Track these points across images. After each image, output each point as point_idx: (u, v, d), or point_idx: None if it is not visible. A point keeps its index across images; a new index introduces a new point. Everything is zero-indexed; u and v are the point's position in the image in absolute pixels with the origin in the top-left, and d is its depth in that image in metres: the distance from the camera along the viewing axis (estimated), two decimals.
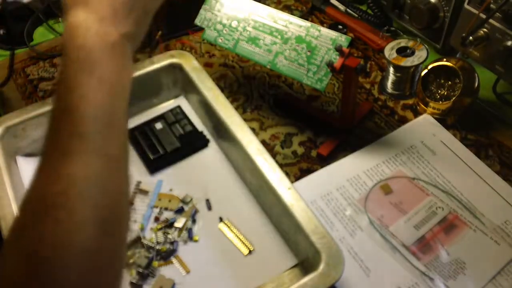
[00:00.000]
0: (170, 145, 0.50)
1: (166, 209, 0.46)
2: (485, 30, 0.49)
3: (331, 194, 0.47)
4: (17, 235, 0.24)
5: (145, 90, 0.53)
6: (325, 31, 0.46)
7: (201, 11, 0.52)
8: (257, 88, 0.58)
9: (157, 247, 0.43)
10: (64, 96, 0.25)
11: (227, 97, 0.49)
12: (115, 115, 0.26)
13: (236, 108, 0.53)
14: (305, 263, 0.41)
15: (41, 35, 0.66)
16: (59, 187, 0.24)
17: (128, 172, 0.27)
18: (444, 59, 0.52)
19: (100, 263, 0.24)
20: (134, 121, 0.53)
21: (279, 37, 0.48)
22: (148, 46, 0.62)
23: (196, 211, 0.46)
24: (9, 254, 0.23)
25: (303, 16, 0.67)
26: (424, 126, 0.53)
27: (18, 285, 0.22)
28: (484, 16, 0.48)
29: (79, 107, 0.25)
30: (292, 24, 0.48)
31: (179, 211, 0.46)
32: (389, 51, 0.53)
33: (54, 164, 0.24)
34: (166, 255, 0.42)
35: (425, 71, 0.53)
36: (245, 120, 0.47)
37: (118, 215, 0.26)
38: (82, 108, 0.25)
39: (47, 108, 0.49)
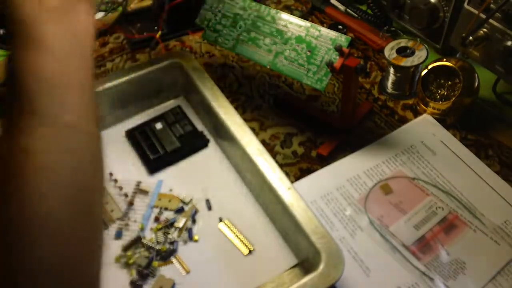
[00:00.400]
0: (170, 145, 0.50)
1: (166, 209, 0.46)
2: (485, 30, 0.49)
3: (331, 194, 0.47)
4: None
5: (145, 90, 0.53)
6: (325, 31, 0.46)
7: (201, 11, 0.52)
8: (257, 88, 0.58)
9: (157, 247, 0.43)
10: (14, 73, 0.25)
11: (227, 97, 0.49)
12: (68, 81, 0.25)
13: (236, 108, 0.53)
14: (305, 263, 0.41)
15: None
16: (10, 161, 0.23)
17: (99, 145, 0.26)
18: (444, 59, 0.52)
19: (64, 237, 0.23)
20: (134, 121, 0.53)
21: (279, 37, 0.48)
22: (148, 46, 0.62)
23: (196, 211, 0.46)
24: None
25: (303, 16, 0.67)
26: (424, 126, 0.53)
27: None
28: (484, 16, 0.48)
29: (27, 81, 0.24)
30: (292, 24, 0.48)
31: (179, 211, 0.46)
32: (389, 51, 0.53)
33: (9, 143, 0.24)
34: (166, 255, 0.42)
35: (425, 71, 0.53)
36: (245, 120, 0.47)
37: (82, 187, 0.25)
38: (29, 83, 0.24)
39: None
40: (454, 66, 0.51)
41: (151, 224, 0.45)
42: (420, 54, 0.53)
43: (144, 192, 0.47)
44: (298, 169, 0.50)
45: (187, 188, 0.47)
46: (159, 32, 0.61)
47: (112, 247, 0.43)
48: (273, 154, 0.51)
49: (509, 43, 0.48)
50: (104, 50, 0.63)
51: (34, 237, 0.22)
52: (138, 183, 0.48)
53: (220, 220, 0.45)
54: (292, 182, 0.47)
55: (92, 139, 0.26)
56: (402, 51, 0.53)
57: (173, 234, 0.44)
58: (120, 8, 0.68)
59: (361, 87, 0.58)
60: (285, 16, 0.48)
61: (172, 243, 0.43)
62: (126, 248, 0.43)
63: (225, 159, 0.50)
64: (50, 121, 0.24)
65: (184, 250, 0.43)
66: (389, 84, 0.56)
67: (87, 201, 0.25)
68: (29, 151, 0.23)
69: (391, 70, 0.54)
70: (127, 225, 0.45)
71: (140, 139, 0.51)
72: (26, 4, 0.25)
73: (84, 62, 0.26)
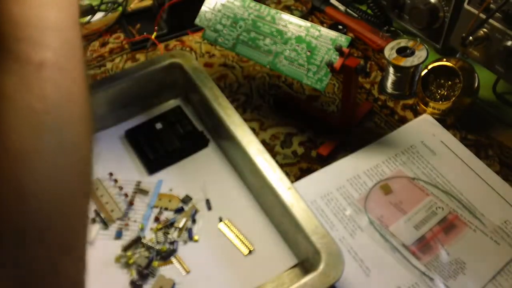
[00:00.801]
0: (170, 145, 0.50)
1: (166, 209, 0.46)
2: (485, 30, 0.49)
3: (331, 194, 0.47)
4: None
5: (145, 90, 0.53)
6: (325, 31, 0.46)
7: (201, 11, 0.52)
8: (257, 88, 0.58)
9: (157, 247, 0.43)
10: None
11: (227, 97, 0.49)
12: (45, 22, 0.25)
13: (236, 108, 0.53)
14: (305, 263, 0.41)
15: None
16: None
17: (85, 90, 0.25)
18: (444, 59, 0.52)
19: (51, 176, 0.23)
20: (134, 121, 0.53)
21: (279, 37, 0.48)
22: (144, 48, 0.62)
23: (196, 211, 0.46)
24: None
25: (303, 16, 0.67)
26: (424, 126, 0.53)
27: None
28: (484, 16, 0.48)
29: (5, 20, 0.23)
30: (292, 24, 0.48)
31: (179, 211, 0.46)
32: (389, 51, 0.53)
33: None
34: (166, 255, 0.42)
35: (425, 71, 0.53)
36: (245, 120, 0.47)
37: (69, 129, 0.24)
38: (2, 22, 0.23)
39: None
40: (454, 66, 0.51)
41: (151, 224, 0.45)
42: (420, 54, 0.53)
43: (144, 192, 0.47)
44: (298, 169, 0.50)
45: (187, 188, 0.47)
46: (154, 33, 0.62)
47: (112, 247, 0.43)
48: (273, 154, 0.51)
49: (509, 43, 0.48)
50: (104, 50, 0.63)
51: (18, 180, 0.22)
52: (138, 183, 0.48)
53: (220, 220, 0.45)
54: (292, 182, 0.47)
55: (74, 78, 0.25)
56: (402, 51, 0.53)
57: (173, 234, 0.44)
58: (120, 8, 0.68)
59: (361, 87, 0.58)
60: (285, 16, 0.48)
61: (172, 243, 0.43)
62: (126, 248, 0.43)
63: (225, 159, 0.50)
64: (24, 59, 0.23)
65: (184, 250, 0.43)
66: (389, 84, 0.56)
67: (74, 144, 0.24)
68: (5, 92, 0.22)
69: (391, 70, 0.54)
70: (127, 225, 0.45)
71: (140, 139, 0.51)
72: None
73: (64, 2, 0.26)
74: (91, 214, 0.45)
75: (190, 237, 0.44)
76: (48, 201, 0.23)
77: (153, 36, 0.62)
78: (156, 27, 0.62)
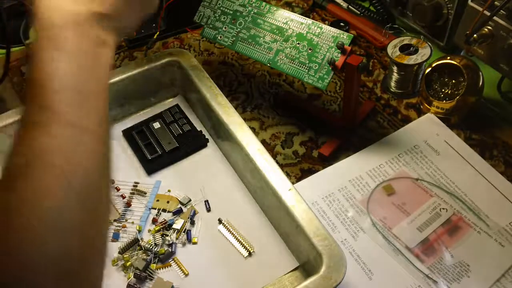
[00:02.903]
0: (168, 145, 0.49)
1: (164, 210, 0.45)
2: (489, 27, 0.48)
3: (332, 195, 0.47)
4: None
5: (143, 89, 0.52)
6: (326, 28, 0.45)
7: (200, 8, 0.52)
8: (257, 86, 0.57)
9: (155, 249, 0.42)
10: (33, 70, 0.26)
11: (227, 96, 0.48)
12: (87, 87, 0.27)
13: (236, 107, 0.53)
14: (306, 266, 0.40)
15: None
16: (24, 159, 0.24)
17: (108, 148, 0.27)
18: (448, 57, 0.51)
19: (70, 233, 0.24)
20: (132, 120, 0.52)
21: (280, 34, 0.47)
22: (145, 44, 0.61)
23: (195, 213, 0.45)
24: None
25: (304, 13, 0.66)
26: (427, 126, 0.52)
27: None
28: (488, 14, 0.47)
29: (46, 80, 0.25)
30: (293, 21, 0.47)
31: (178, 212, 0.45)
32: (392, 49, 0.53)
33: (22, 137, 0.25)
34: (165, 258, 0.42)
35: (429, 69, 0.52)
36: (245, 119, 0.46)
37: (91, 187, 0.26)
38: (49, 82, 0.25)
39: None
40: (458, 64, 0.50)
41: (149, 225, 0.44)
42: (424, 52, 0.52)
43: (142, 193, 0.46)
44: (299, 170, 0.49)
45: (185, 189, 0.46)
46: (157, 33, 0.61)
47: (109, 249, 0.42)
48: (274, 154, 0.50)
49: None
50: None
51: (34, 231, 0.23)
52: (136, 184, 0.47)
53: (220, 221, 0.44)
54: (293, 183, 0.47)
55: (104, 144, 0.27)
56: (405, 49, 0.52)
57: (172, 236, 0.43)
58: None
59: (364, 85, 0.57)
60: (286, 13, 0.48)
61: (170, 245, 0.42)
62: (123, 250, 0.42)
63: (225, 159, 0.49)
64: (67, 122, 0.25)
65: (183, 252, 0.42)
66: (392, 82, 0.55)
67: (93, 200, 0.26)
68: (42, 148, 0.24)
69: (394, 68, 0.54)
70: (124, 227, 0.44)
71: (137, 139, 0.50)
72: (56, 12, 0.27)
73: (104, 81, 0.28)
74: None
75: (189, 239, 0.43)
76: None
77: (155, 36, 0.61)
78: (159, 26, 0.61)
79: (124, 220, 0.44)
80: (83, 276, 0.25)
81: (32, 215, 0.23)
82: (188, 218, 0.44)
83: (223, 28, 0.50)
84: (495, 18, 0.47)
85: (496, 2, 0.46)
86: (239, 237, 0.43)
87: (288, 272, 0.41)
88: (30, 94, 0.26)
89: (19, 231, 0.23)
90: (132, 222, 0.44)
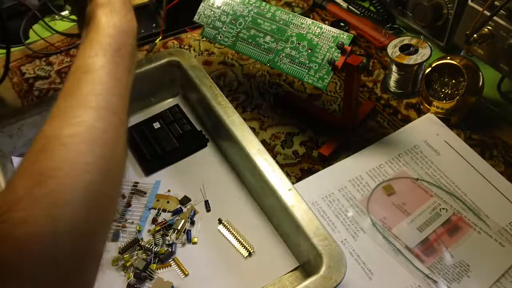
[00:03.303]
0: (168, 145, 0.49)
1: (164, 210, 0.45)
2: (489, 27, 0.48)
3: (332, 195, 0.47)
4: (24, 166, 0.26)
5: (143, 89, 0.52)
6: (326, 28, 0.45)
7: (200, 8, 0.52)
8: (257, 86, 0.57)
9: (155, 249, 0.42)
10: (86, 61, 0.30)
11: (227, 96, 0.48)
12: (127, 87, 0.32)
13: (236, 107, 0.53)
14: (306, 266, 0.40)
15: (37, 33, 0.65)
16: (72, 130, 0.26)
17: (126, 141, 0.31)
18: (448, 57, 0.51)
19: (95, 206, 0.26)
20: (132, 120, 0.52)
21: (280, 34, 0.47)
22: (145, 44, 0.61)
23: (194, 213, 0.45)
24: (20, 175, 0.25)
25: (304, 13, 0.66)
26: (427, 126, 0.52)
27: (24, 199, 0.24)
28: (488, 14, 0.47)
29: (100, 74, 0.29)
30: (293, 21, 0.47)
31: (177, 212, 0.45)
32: (392, 49, 0.53)
33: (70, 112, 0.27)
34: (164, 258, 0.42)
35: (429, 69, 0.52)
36: (245, 119, 0.46)
37: (118, 170, 0.28)
38: (103, 75, 0.30)
39: (43, 107, 0.48)
40: (458, 64, 0.50)
41: (149, 225, 0.44)
42: (424, 52, 0.52)
43: (142, 193, 0.46)
44: (299, 170, 0.49)
45: (185, 189, 0.46)
46: (160, 37, 0.61)
47: (109, 249, 0.42)
48: (274, 154, 0.50)
49: None
50: None
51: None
52: (136, 184, 0.47)
53: (220, 221, 0.44)
54: (293, 183, 0.47)
55: (125, 144, 0.30)
56: (405, 49, 0.52)
57: (171, 236, 0.43)
58: None
59: (364, 85, 0.57)
60: (285, 13, 0.47)
61: (170, 245, 0.42)
62: (123, 250, 0.42)
63: (225, 159, 0.49)
64: (111, 110, 0.29)
65: (183, 253, 0.42)
66: (392, 82, 0.55)
67: (114, 182, 0.28)
68: (91, 125, 0.27)
69: (394, 68, 0.54)
70: (124, 227, 0.44)
71: (137, 139, 0.50)
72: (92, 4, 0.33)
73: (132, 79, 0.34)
74: None
75: (189, 239, 0.43)
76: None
77: (157, 40, 0.61)
78: (161, 31, 0.61)
79: (124, 220, 0.44)
80: (90, 252, 0.26)
81: (70, 188, 0.25)
82: (188, 218, 0.44)
83: (223, 28, 0.50)
84: (495, 18, 0.47)
85: (496, 2, 0.46)
86: (239, 237, 0.43)
87: (288, 272, 0.41)
88: (80, 78, 0.29)
89: (56, 182, 0.24)
90: (132, 222, 0.44)
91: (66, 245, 0.24)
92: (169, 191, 0.47)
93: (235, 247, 0.42)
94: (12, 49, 0.61)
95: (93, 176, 0.26)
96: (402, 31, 0.61)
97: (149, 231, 0.44)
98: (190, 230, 0.43)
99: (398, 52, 0.52)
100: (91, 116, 0.27)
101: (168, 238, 0.43)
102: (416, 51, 0.52)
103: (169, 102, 0.54)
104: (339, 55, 0.44)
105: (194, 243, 0.43)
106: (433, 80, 0.53)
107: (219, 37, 0.50)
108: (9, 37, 0.63)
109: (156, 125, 0.51)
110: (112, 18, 0.32)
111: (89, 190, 0.25)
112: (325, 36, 0.45)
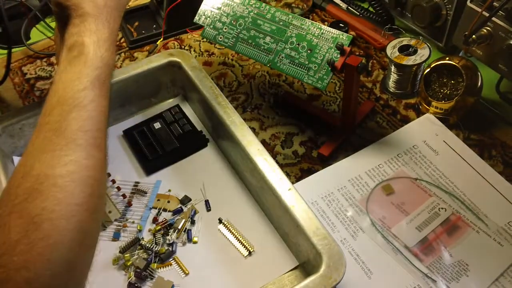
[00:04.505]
0: (168, 145, 0.49)
1: (164, 210, 0.45)
2: (488, 28, 0.48)
3: (332, 195, 0.47)
4: (15, 204, 0.26)
5: (143, 89, 0.52)
6: (326, 29, 0.46)
7: (200, 9, 0.52)
8: (257, 87, 0.58)
9: (156, 248, 0.42)
10: (76, 95, 0.29)
11: (227, 96, 0.49)
12: (107, 119, 0.31)
13: (236, 108, 0.53)
14: (306, 265, 0.40)
15: (38, 34, 0.66)
16: (64, 170, 0.26)
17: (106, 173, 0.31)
18: (447, 58, 0.51)
19: (86, 244, 0.27)
20: (132, 121, 0.52)
21: (280, 35, 0.48)
22: (146, 45, 0.61)
23: (195, 212, 0.45)
24: (13, 214, 0.25)
25: (304, 14, 0.66)
26: (426, 126, 0.52)
27: (15, 241, 0.24)
28: (487, 14, 0.47)
29: (89, 109, 0.29)
30: (293, 22, 0.47)
31: (178, 212, 0.45)
32: (391, 49, 0.53)
33: (59, 150, 0.27)
34: (165, 257, 0.42)
35: (428, 70, 0.52)
36: (245, 119, 0.47)
37: (103, 205, 0.29)
38: (91, 110, 0.29)
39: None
40: (457, 64, 0.50)
41: (150, 225, 0.44)
42: (423, 53, 0.52)
43: (143, 193, 0.47)
44: (298, 170, 0.49)
45: (186, 189, 0.47)
46: (161, 39, 0.61)
47: (110, 249, 0.42)
48: (274, 154, 0.51)
49: None
50: None
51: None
52: (136, 184, 0.47)
53: (220, 221, 0.44)
54: (292, 182, 0.47)
55: (106, 161, 0.31)
56: (404, 50, 0.53)
57: (172, 236, 0.43)
58: None
59: (363, 86, 0.57)
60: (285, 14, 0.48)
61: (170, 244, 0.42)
62: (124, 250, 0.42)
63: (225, 159, 0.49)
64: (98, 146, 0.30)
65: (183, 252, 0.42)
66: (391, 83, 0.55)
67: (100, 217, 0.30)
68: (81, 164, 0.28)
69: (393, 69, 0.54)
70: (125, 226, 0.44)
71: (138, 139, 0.50)
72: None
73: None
74: None
75: (189, 239, 0.43)
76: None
77: (159, 42, 0.61)
78: (163, 33, 0.62)
79: (124, 220, 0.45)
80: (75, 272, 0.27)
81: (63, 226, 0.25)
82: (189, 217, 0.44)
83: (223, 29, 0.50)
84: (494, 19, 0.47)
85: (495, 3, 0.47)
86: (239, 237, 0.43)
87: (288, 271, 0.41)
88: (68, 112, 0.29)
89: (46, 234, 0.25)
90: (133, 222, 0.44)
91: (62, 282, 0.25)
92: (169, 190, 0.47)
93: (235, 247, 0.42)
94: (13, 50, 0.62)
95: (84, 215, 0.26)
96: (401, 32, 0.61)
97: (149, 230, 0.44)
98: (190, 230, 0.44)
99: (397, 53, 0.52)
100: (80, 155, 0.27)
101: (168, 237, 0.43)
102: (415, 52, 0.52)
103: (169, 103, 0.55)
104: (339, 55, 0.44)
105: (195, 242, 0.43)
106: (432, 81, 0.53)
107: (219, 38, 0.50)
108: (10, 37, 0.63)
109: (157, 125, 0.51)
110: (99, 50, 0.31)
111: (81, 229, 0.26)
112: (325, 37, 0.46)
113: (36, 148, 0.27)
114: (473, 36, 0.48)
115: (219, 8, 0.51)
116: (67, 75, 0.30)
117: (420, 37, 0.54)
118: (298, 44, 0.47)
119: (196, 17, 0.52)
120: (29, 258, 0.24)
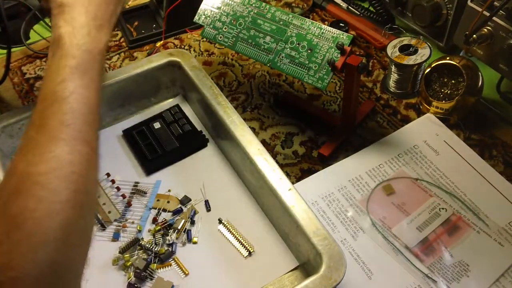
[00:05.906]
0: (168, 145, 0.49)
1: (164, 210, 0.45)
2: (488, 28, 0.48)
3: (332, 195, 0.47)
4: (1, 202, 0.25)
5: (143, 89, 0.52)
6: (326, 29, 0.46)
7: (200, 8, 0.52)
8: (257, 87, 0.58)
9: (155, 249, 0.42)
10: (55, 89, 0.28)
11: (227, 96, 0.49)
12: (97, 110, 0.30)
13: (236, 107, 0.53)
14: (306, 266, 0.40)
15: (38, 33, 0.66)
16: (46, 167, 0.26)
17: (99, 164, 0.30)
18: (447, 58, 0.51)
19: (73, 242, 0.26)
20: (132, 121, 0.52)
21: (280, 35, 0.47)
22: (146, 45, 0.61)
23: (195, 212, 0.45)
24: None
25: (304, 14, 0.66)
26: (427, 126, 0.52)
27: None
28: (487, 14, 0.47)
29: (70, 101, 0.28)
30: (293, 21, 0.47)
31: (178, 212, 0.45)
32: (392, 49, 0.53)
33: (40, 147, 0.26)
34: (165, 257, 0.42)
35: (428, 69, 0.52)
36: (245, 119, 0.46)
37: (92, 201, 0.28)
38: (73, 102, 0.28)
39: None
40: (457, 64, 0.50)
41: (149, 225, 0.44)
42: (423, 52, 0.52)
43: (142, 193, 0.46)
44: (299, 170, 0.49)
45: (185, 189, 0.47)
46: (161, 41, 0.61)
47: (109, 249, 0.42)
48: (274, 154, 0.50)
49: None
50: None
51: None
52: (136, 184, 0.47)
53: (220, 221, 0.44)
54: (292, 182, 0.47)
55: (98, 169, 0.30)
56: (405, 49, 0.53)
57: (172, 236, 0.43)
58: None
59: (363, 86, 0.57)
60: (285, 13, 0.48)
61: (170, 245, 0.42)
62: (123, 250, 0.42)
63: (225, 159, 0.49)
64: (82, 140, 0.28)
65: (183, 252, 0.42)
66: (392, 82, 0.55)
67: (89, 213, 0.29)
68: (63, 159, 0.27)
69: (394, 68, 0.54)
70: (125, 226, 0.44)
71: (138, 139, 0.50)
72: None
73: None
74: None
75: (189, 239, 0.43)
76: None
77: (159, 44, 0.61)
78: (163, 33, 0.62)
79: (124, 220, 0.44)
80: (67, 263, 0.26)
81: (46, 225, 0.25)
82: (188, 218, 0.44)
83: (223, 29, 0.50)
84: (494, 18, 0.47)
85: (495, 3, 0.46)
86: (239, 237, 0.43)
87: (288, 272, 0.41)
88: (49, 108, 0.28)
89: (29, 234, 0.24)
90: (133, 222, 0.44)
91: (50, 281, 0.24)
92: (169, 191, 0.47)
93: (235, 247, 0.42)
94: (12, 50, 0.62)
95: (69, 212, 0.25)
96: (401, 31, 0.61)
97: (149, 231, 0.44)
98: (190, 230, 0.43)
99: (398, 53, 0.52)
100: (63, 150, 0.26)
101: (168, 237, 0.43)
102: (415, 52, 0.52)
103: (169, 102, 0.54)
104: (339, 55, 0.44)
105: (194, 243, 0.43)
106: (432, 80, 0.53)
107: (219, 38, 0.50)
108: (10, 37, 0.63)
109: (157, 125, 0.51)
110: (75, 38, 0.30)
111: (66, 227, 0.25)
112: (325, 36, 0.45)
113: (20, 148, 0.27)
114: (474, 35, 0.48)
115: (219, 8, 0.51)
116: (48, 69, 0.29)
117: (421, 37, 0.54)
118: (298, 44, 0.46)
119: (196, 17, 0.52)
120: (13, 258, 0.23)
